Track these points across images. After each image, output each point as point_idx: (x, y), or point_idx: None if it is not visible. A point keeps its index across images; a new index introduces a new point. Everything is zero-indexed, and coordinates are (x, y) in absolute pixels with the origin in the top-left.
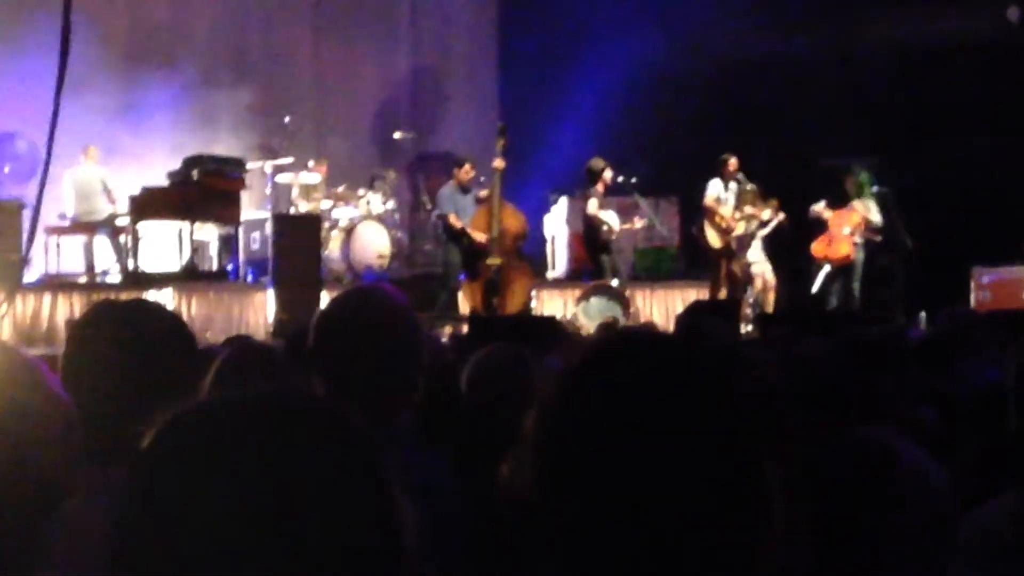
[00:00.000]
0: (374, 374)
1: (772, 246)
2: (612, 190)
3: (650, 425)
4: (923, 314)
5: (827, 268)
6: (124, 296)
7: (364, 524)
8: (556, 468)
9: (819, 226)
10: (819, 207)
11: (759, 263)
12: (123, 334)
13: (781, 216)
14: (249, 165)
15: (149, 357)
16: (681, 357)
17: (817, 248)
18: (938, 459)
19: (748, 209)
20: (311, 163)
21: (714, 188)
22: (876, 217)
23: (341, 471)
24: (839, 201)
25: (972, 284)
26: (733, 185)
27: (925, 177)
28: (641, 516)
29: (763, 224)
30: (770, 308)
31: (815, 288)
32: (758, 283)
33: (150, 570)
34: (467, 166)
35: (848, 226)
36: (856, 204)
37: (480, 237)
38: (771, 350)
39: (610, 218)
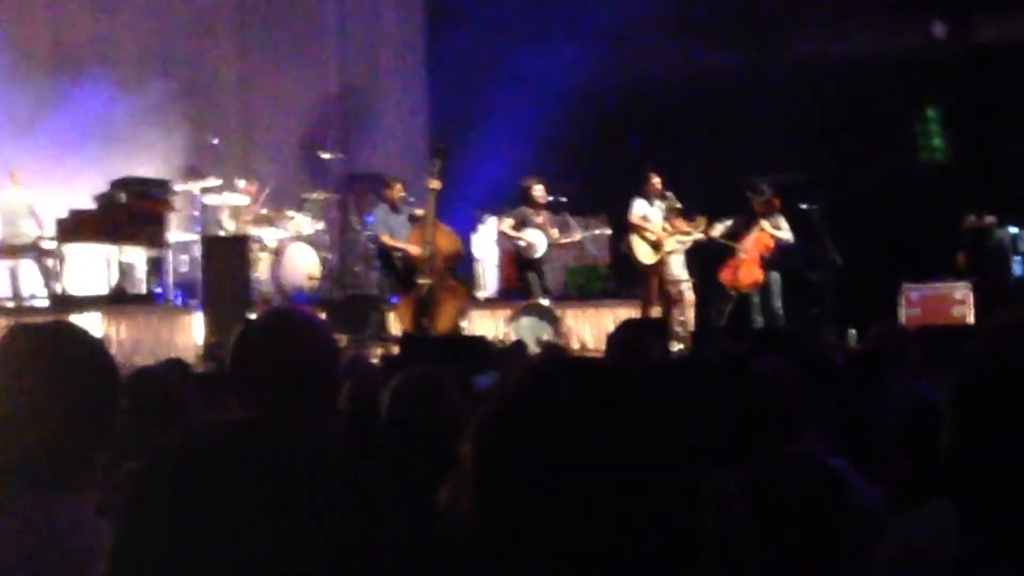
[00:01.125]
0: (290, 396)
1: (698, 263)
2: (543, 208)
3: (583, 449)
4: (852, 331)
5: (732, 300)
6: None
7: (364, 548)
8: (494, 493)
9: (728, 249)
10: (719, 231)
11: (682, 281)
12: (40, 358)
13: (699, 235)
14: (177, 187)
15: (68, 380)
16: (613, 381)
17: (725, 275)
18: (869, 474)
19: (677, 224)
20: (241, 184)
21: (639, 207)
22: (786, 235)
23: (348, 501)
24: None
25: (901, 300)
26: (659, 202)
27: (853, 194)
28: (578, 538)
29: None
30: (691, 325)
31: (723, 322)
32: (685, 299)
33: None
34: (398, 186)
35: (756, 250)
36: (764, 224)
37: (415, 251)
38: (709, 367)
39: (531, 236)
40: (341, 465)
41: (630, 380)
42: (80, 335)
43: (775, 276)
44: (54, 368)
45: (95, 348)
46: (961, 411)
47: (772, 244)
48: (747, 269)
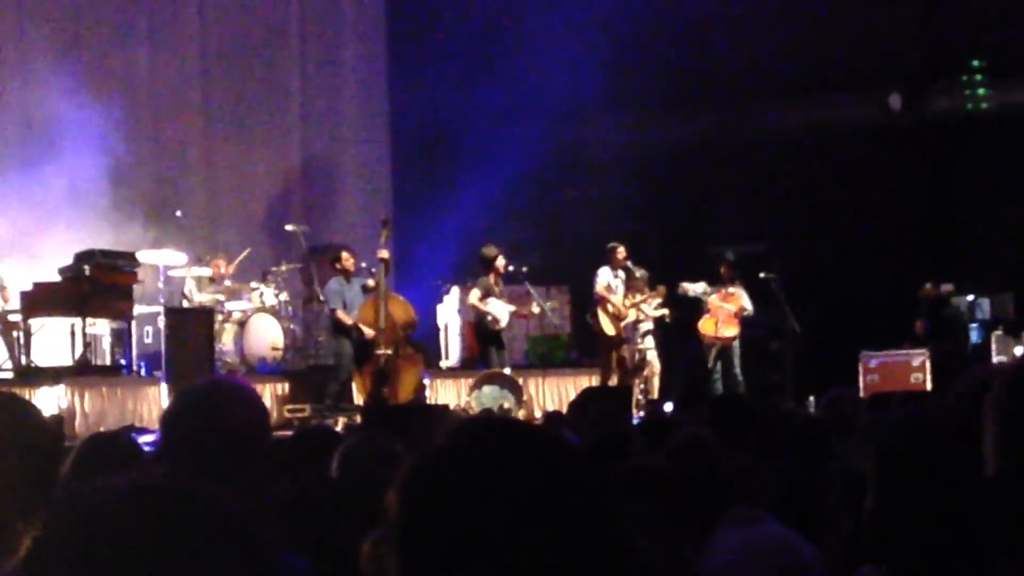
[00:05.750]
0: (216, 462)
1: (659, 333)
2: (504, 278)
3: (497, 503)
4: (812, 398)
5: (715, 348)
6: (16, 392)
7: None
8: (415, 552)
9: (697, 304)
10: (695, 287)
11: (649, 349)
12: None
13: (665, 311)
14: (141, 259)
15: (8, 453)
16: (526, 438)
17: (706, 327)
18: (811, 538)
19: (638, 296)
20: (208, 258)
21: (604, 276)
22: (750, 305)
23: (223, 550)
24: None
25: (860, 367)
26: (622, 273)
27: (812, 263)
28: None
29: (646, 314)
30: (655, 394)
31: (711, 364)
32: (647, 369)
33: None
34: (344, 254)
35: (733, 307)
36: (733, 289)
37: (368, 332)
38: (662, 435)
39: (496, 308)
40: (235, 530)
41: (543, 437)
42: (14, 405)
43: (736, 344)
44: None
45: (30, 417)
46: (879, 476)
47: (741, 308)
48: (727, 325)
